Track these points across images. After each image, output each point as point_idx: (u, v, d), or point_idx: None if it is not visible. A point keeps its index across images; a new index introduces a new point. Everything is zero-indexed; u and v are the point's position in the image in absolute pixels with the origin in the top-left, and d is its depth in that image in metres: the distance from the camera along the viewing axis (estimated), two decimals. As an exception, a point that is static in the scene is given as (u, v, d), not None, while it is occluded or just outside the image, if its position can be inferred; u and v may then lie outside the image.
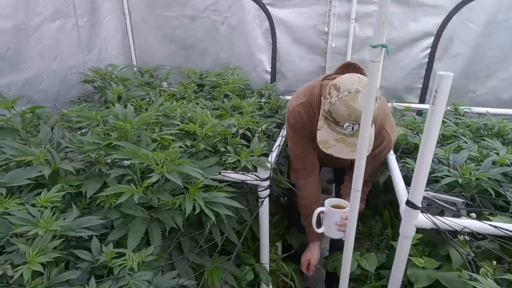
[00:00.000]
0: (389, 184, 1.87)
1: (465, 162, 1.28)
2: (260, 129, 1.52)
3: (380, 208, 1.75)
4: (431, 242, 1.33)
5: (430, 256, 1.22)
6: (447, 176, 1.19)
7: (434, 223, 0.97)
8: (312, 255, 1.57)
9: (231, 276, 1.24)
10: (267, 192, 1.23)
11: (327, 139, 1.20)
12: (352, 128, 1.15)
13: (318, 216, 1.32)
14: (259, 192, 1.22)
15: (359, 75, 1.21)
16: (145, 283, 0.80)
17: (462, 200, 1.05)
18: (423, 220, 0.99)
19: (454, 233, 1.23)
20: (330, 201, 1.36)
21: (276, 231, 1.62)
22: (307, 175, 1.51)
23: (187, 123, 1.31)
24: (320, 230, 1.39)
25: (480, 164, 1.26)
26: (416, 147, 1.50)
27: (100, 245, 0.88)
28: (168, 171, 0.99)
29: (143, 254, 0.87)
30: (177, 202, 0.99)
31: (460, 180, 1.15)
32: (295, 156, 1.48)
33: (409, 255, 1.13)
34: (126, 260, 0.84)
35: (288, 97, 2.13)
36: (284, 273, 1.43)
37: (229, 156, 1.19)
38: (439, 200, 1.06)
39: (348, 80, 1.17)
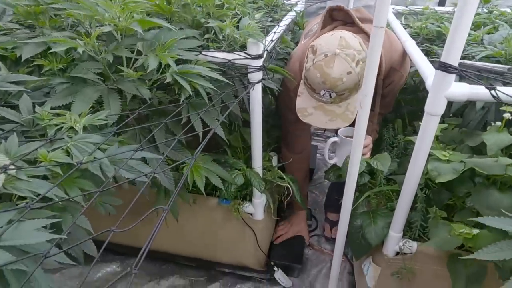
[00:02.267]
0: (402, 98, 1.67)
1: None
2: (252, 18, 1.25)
3: (390, 121, 1.54)
4: (453, 141, 1.14)
5: (454, 153, 1.03)
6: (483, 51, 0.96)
7: (493, 90, 0.74)
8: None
9: (217, 177, 1.05)
10: (260, 75, 0.99)
11: (306, 107, 1.11)
12: (330, 96, 1.05)
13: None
14: (249, 75, 0.99)
15: (342, 32, 1.04)
16: (90, 146, 0.59)
17: (509, 67, 0.83)
18: (459, 89, 0.77)
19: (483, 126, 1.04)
20: (342, 130, 1.23)
21: (269, 141, 1.42)
22: (299, 149, 1.41)
23: None
24: (332, 161, 1.27)
25: (522, 42, 1.02)
26: (439, 35, 1.26)
27: (33, 105, 0.66)
28: (127, 24, 0.75)
29: (92, 117, 0.65)
30: (139, 60, 0.76)
31: (502, 52, 0.92)
32: (288, 124, 1.37)
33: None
34: (65, 121, 0.62)
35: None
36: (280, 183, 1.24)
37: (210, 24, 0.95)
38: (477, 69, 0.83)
39: (326, 41, 1.03)
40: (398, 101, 1.59)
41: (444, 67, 0.75)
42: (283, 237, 1.54)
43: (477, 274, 0.95)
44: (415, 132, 1.37)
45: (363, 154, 1.17)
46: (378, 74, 1.16)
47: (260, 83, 1.01)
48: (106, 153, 0.62)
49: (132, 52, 0.80)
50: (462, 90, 0.77)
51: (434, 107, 0.80)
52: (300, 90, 1.13)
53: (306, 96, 1.11)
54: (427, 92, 0.82)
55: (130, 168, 0.63)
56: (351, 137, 1.20)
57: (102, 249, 0.44)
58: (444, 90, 0.78)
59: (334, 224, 1.71)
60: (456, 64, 0.74)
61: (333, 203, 1.71)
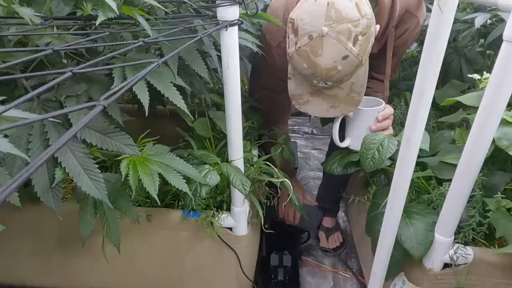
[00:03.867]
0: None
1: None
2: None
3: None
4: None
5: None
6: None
7: None
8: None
9: (178, 176, 0.67)
10: (235, 11, 0.65)
11: (300, 93, 0.86)
12: (326, 83, 0.79)
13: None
14: (219, 11, 0.64)
15: None
16: None
17: None
18: None
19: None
20: None
21: (250, 129, 1.07)
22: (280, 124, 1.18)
23: None
24: (344, 144, 0.92)
25: None
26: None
27: None
28: None
29: None
30: None
31: None
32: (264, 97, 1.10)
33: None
34: None
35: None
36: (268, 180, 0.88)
37: None
38: None
39: (309, 12, 0.73)
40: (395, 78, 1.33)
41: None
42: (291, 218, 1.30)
43: None
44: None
45: (384, 129, 0.87)
46: (389, 21, 0.87)
47: (237, 27, 0.66)
48: None
49: None
50: None
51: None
52: (290, 71, 0.85)
53: (298, 80, 0.83)
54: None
55: None
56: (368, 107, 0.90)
57: None
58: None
59: (331, 231, 1.39)
60: None
61: (329, 204, 1.39)
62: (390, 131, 0.87)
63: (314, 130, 2.28)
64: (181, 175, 0.67)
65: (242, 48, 0.87)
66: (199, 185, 0.73)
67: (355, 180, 1.27)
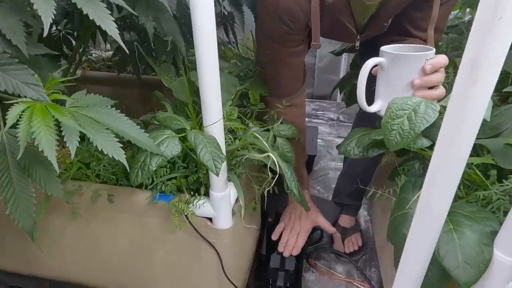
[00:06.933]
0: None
1: None
2: None
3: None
4: None
5: None
6: None
7: None
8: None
9: (110, 137, 0.47)
10: None
11: None
12: None
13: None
14: None
15: None
16: None
17: None
18: None
19: None
20: (389, 47, 0.63)
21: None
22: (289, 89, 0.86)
23: None
24: (374, 108, 0.64)
25: None
26: None
27: None
28: None
29: None
30: None
31: None
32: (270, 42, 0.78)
33: None
34: None
35: None
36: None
37: None
38: None
39: None
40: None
41: None
42: (291, 246, 0.98)
43: None
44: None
45: (431, 87, 0.61)
46: None
47: None
48: None
49: None
50: None
51: None
52: None
53: None
54: None
55: None
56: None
57: None
58: None
59: (349, 232, 1.15)
60: None
61: (347, 199, 1.15)
62: (441, 91, 0.60)
63: (340, 117, 2.02)
64: (118, 137, 0.47)
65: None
66: (149, 156, 0.53)
67: (382, 171, 1.02)
